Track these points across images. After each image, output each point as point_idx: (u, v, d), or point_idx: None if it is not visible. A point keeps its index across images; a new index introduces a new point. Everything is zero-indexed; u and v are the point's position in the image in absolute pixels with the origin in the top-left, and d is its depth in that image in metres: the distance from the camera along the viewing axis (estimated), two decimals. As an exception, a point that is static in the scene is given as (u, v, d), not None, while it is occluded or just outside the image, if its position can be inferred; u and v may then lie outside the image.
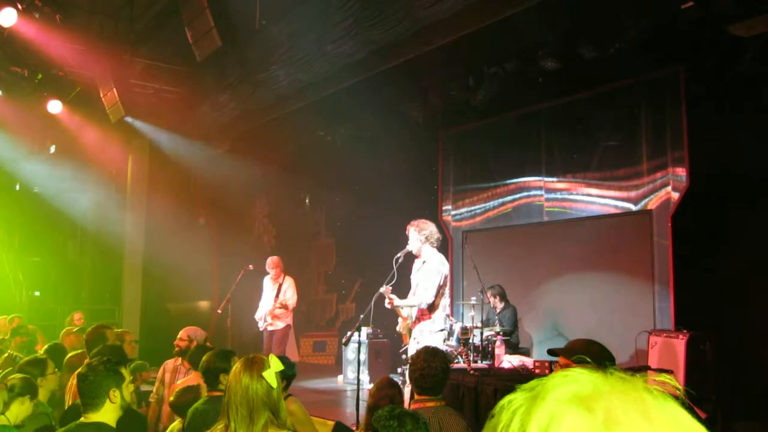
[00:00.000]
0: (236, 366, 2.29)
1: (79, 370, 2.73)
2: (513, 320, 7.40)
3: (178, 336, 4.91)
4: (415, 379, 3.14)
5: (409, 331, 5.52)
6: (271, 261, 8.43)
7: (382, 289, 5.37)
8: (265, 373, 2.23)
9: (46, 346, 5.11)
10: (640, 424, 0.62)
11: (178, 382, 4.51)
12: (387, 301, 5.46)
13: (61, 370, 4.12)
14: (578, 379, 0.66)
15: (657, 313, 6.92)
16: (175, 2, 7.34)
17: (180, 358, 4.84)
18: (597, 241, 7.69)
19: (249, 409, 2.19)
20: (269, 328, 8.21)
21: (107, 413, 2.60)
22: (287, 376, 3.66)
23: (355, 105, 8.14)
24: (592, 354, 2.40)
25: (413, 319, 5.47)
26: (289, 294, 8.28)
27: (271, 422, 2.22)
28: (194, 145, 10.08)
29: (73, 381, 4.31)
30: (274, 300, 8.21)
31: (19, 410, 3.27)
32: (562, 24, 6.00)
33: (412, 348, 5.21)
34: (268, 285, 8.44)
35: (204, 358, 3.44)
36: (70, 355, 4.75)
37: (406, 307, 5.54)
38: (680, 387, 0.73)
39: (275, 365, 2.28)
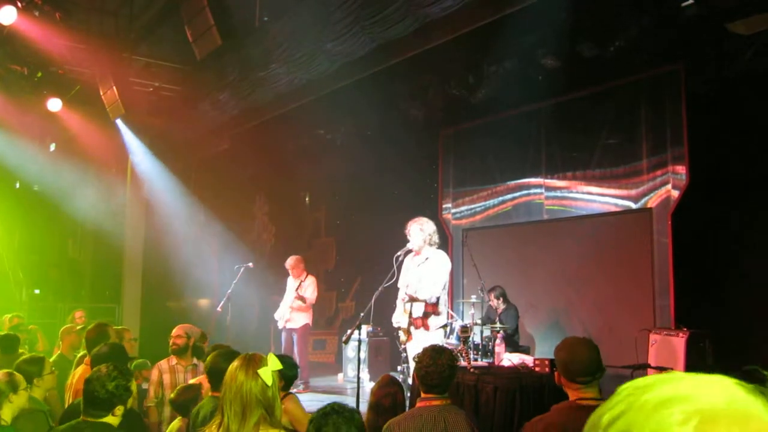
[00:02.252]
0: (234, 363, 2.29)
1: (87, 375, 2.79)
2: (515, 320, 7.38)
3: (175, 334, 4.72)
4: (422, 377, 3.11)
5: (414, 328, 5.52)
6: (291, 260, 8.44)
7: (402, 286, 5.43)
8: (260, 371, 2.22)
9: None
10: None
11: (191, 381, 4.19)
12: (404, 294, 5.49)
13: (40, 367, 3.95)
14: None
15: (657, 311, 6.92)
16: (175, 0, 7.33)
17: (176, 357, 4.69)
18: (597, 239, 7.69)
19: (242, 405, 2.18)
20: (288, 325, 8.23)
21: (109, 419, 2.73)
22: (287, 377, 3.63)
23: (355, 103, 8.12)
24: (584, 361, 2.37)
25: (416, 316, 5.48)
26: (309, 290, 8.29)
27: (264, 419, 2.22)
28: (193, 143, 10.07)
29: (73, 380, 4.31)
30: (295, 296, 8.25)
31: (11, 408, 3.23)
32: (562, 22, 5.99)
33: (418, 344, 5.20)
34: (290, 284, 8.46)
35: (209, 358, 3.37)
36: (79, 356, 4.74)
37: (414, 303, 5.53)
38: None
39: (273, 363, 2.28)
